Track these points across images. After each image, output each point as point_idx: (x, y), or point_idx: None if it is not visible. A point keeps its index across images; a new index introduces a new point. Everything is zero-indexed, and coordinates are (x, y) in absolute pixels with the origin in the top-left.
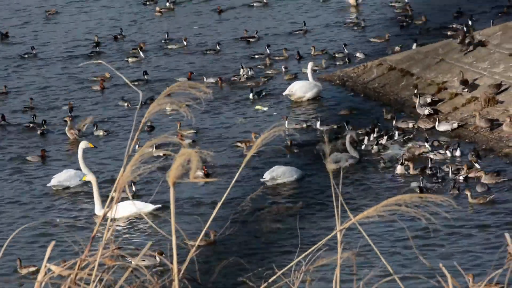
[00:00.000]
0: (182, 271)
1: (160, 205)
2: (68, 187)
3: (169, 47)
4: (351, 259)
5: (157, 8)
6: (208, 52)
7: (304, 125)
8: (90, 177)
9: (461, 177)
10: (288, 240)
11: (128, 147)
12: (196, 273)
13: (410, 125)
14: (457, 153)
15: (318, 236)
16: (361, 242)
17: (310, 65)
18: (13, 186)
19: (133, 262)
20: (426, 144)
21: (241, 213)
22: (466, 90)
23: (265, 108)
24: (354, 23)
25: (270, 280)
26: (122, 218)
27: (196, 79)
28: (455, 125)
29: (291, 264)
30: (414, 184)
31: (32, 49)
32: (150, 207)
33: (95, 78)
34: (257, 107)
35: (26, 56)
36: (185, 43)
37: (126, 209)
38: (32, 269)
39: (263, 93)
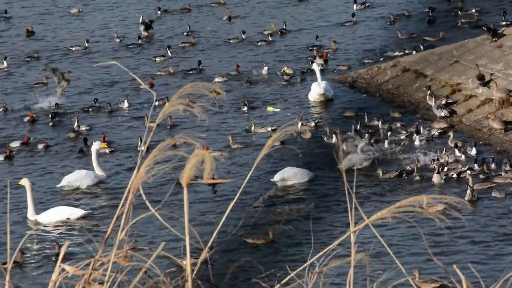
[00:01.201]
0: (195, 272)
1: (90, 210)
2: (78, 188)
3: (231, 41)
4: (364, 260)
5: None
6: (259, 43)
7: (313, 125)
8: (24, 181)
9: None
10: (301, 241)
11: (142, 148)
12: (210, 274)
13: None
14: (493, 165)
15: (332, 237)
16: (375, 243)
17: (316, 65)
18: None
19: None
20: (456, 150)
21: (254, 214)
22: (481, 87)
23: (277, 109)
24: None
25: (283, 281)
26: (53, 223)
27: (244, 72)
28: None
29: (304, 265)
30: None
31: (86, 42)
32: (80, 212)
33: (159, 73)
34: (269, 108)
35: (73, 48)
36: (243, 36)
37: (57, 214)
38: None
39: (253, 104)
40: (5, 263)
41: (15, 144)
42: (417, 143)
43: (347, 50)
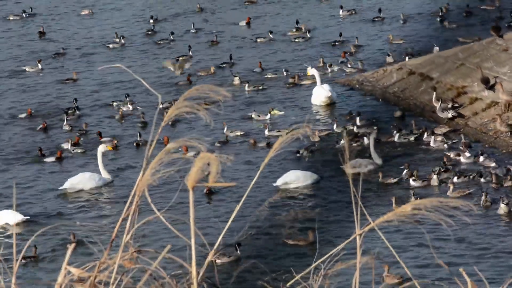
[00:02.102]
0: (201, 274)
1: (29, 217)
2: (82, 190)
3: (258, 40)
4: (370, 263)
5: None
6: (296, 39)
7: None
8: None
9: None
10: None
11: (148, 150)
12: (215, 277)
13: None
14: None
15: (337, 240)
16: (380, 247)
17: (315, 71)
18: (30, 186)
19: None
20: (466, 151)
21: (259, 217)
22: (486, 91)
23: (281, 112)
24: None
25: (288, 284)
26: None
27: (269, 68)
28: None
29: (310, 268)
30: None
31: (121, 39)
32: (19, 217)
33: (200, 73)
34: (273, 112)
35: (111, 46)
36: (271, 35)
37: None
38: None
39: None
40: (30, 257)
41: (66, 145)
42: (432, 144)
43: (372, 47)
